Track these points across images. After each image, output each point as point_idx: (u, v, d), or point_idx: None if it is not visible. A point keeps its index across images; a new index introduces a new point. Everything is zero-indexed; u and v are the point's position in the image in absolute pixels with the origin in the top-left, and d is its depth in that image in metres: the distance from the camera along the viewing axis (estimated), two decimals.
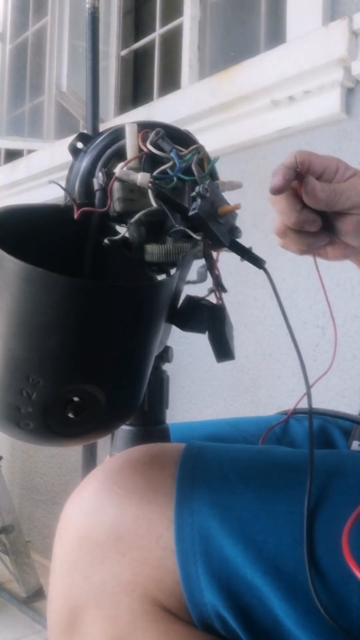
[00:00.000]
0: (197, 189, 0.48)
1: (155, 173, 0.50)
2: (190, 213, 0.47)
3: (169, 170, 0.51)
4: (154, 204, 0.50)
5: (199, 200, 0.47)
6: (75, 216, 0.52)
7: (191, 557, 0.46)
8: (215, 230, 0.48)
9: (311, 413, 0.51)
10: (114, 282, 0.54)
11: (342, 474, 0.49)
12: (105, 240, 0.52)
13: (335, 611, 0.43)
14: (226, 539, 0.46)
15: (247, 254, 0.52)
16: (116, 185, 0.51)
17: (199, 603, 0.46)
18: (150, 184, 0.49)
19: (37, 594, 1.87)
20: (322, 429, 0.74)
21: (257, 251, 1.50)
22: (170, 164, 0.50)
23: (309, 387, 0.50)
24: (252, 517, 0.46)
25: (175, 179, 0.50)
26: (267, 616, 0.45)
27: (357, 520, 0.44)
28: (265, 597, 0.45)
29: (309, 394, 0.50)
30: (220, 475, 0.49)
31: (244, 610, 0.45)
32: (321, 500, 0.47)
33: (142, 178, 0.50)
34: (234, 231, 0.51)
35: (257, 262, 0.52)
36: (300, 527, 0.45)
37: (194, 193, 0.48)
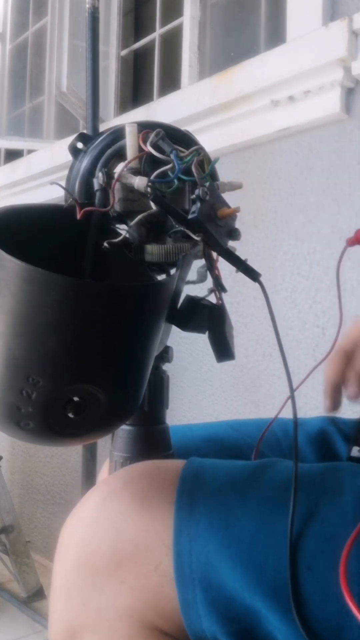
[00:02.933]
0: (196, 192, 0.48)
1: (153, 176, 0.50)
2: (190, 216, 0.47)
3: (169, 172, 0.51)
4: (154, 207, 0.50)
5: (198, 204, 0.47)
6: (78, 216, 0.52)
7: (189, 584, 0.46)
8: (214, 233, 0.48)
9: (296, 424, 0.50)
10: (114, 282, 0.55)
11: (338, 489, 0.49)
12: (105, 244, 0.52)
13: (328, 632, 0.43)
14: (225, 563, 0.45)
15: (242, 265, 0.51)
16: (116, 186, 0.52)
17: (197, 629, 0.46)
18: (147, 189, 0.49)
19: (37, 594, 1.87)
20: (323, 433, 0.73)
21: (256, 251, 1.50)
22: (169, 166, 0.50)
23: (294, 399, 0.50)
24: (251, 539, 0.46)
25: (175, 181, 0.50)
26: (267, 639, 0.45)
27: (353, 547, 0.43)
28: (264, 620, 0.44)
29: (293, 404, 0.50)
30: (218, 497, 0.48)
31: (244, 635, 0.45)
32: (315, 518, 0.46)
33: (139, 182, 0.50)
34: (233, 233, 0.51)
35: (252, 274, 0.51)
36: (299, 546, 0.44)
37: (193, 196, 0.48)
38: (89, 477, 1.72)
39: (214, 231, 0.48)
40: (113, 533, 0.49)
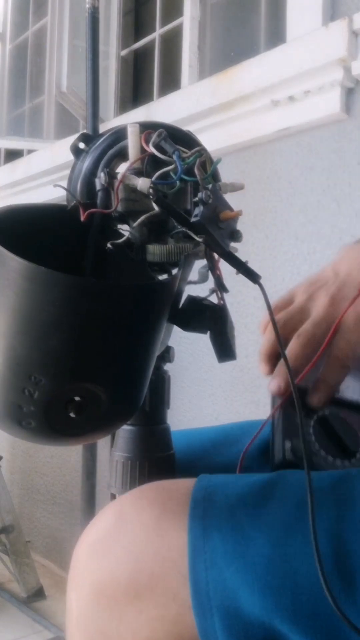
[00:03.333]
0: (199, 195, 0.48)
1: (155, 177, 0.50)
2: (193, 219, 0.47)
3: (171, 174, 0.50)
4: (156, 207, 0.50)
5: (201, 207, 0.47)
6: (82, 218, 0.52)
7: (207, 612, 0.46)
8: (216, 235, 0.48)
9: (303, 436, 0.50)
10: (115, 282, 0.55)
11: (352, 504, 0.47)
12: (108, 245, 0.52)
13: None
14: (242, 590, 0.45)
15: (242, 267, 0.51)
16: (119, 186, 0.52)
17: None
18: (150, 190, 0.49)
19: (37, 594, 1.87)
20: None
21: (256, 251, 1.50)
22: (172, 167, 0.50)
23: (299, 410, 0.50)
24: (266, 563, 0.45)
25: (178, 182, 0.50)
26: None
27: None
28: None
29: (300, 419, 0.49)
30: (231, 520, 0.48)
31: None
32: (336, 535, 0.45)
33: (142, 183, 0.50)
34: (234, 235, 0.51)
35: (252, 276, 0.51)
36: (315, 567, 0.44)
37: (196, 199, 0.48)
38: (89, 477, 1.72)
39: (216, 233, 0.48)
40: (130, 563, 0.49)
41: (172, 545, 0.48)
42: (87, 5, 1.00)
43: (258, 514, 0.48)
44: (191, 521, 0.48)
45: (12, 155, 2.52)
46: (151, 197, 0.49)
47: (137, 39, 2.24)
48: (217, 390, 1.53)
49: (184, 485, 0.52)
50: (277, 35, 1.59)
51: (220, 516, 0.48)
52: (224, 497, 0.50)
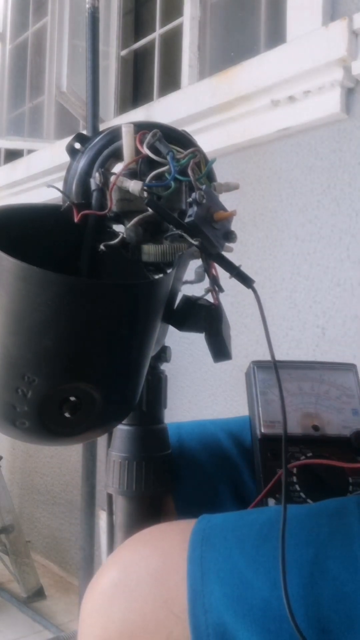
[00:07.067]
0: (193, 195, 0.48)
1: (148, 179, 0.50)
2: (187, 220, 0.47)
3: (166, 174, 0.50)
4: (150, 209, 0.50)
5: (195, 207, 0.47)
6: (76, 220, 0.52)
7: None
8: (210, 236, 0.48)
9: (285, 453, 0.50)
10: (108, 281, 0.55)
11: (348, 540, 0.47)
12: (101, 246, 0.52)
13: None
14: (241, 633, 0.45)
15: (235, 271, 0.51)
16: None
17: None
18: (143, 192, 0.49)
19: (37, 594, 1.87)
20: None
21: (256, 251, 1.49)
22: (165, 167, 0.50)
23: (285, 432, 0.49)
24: (264, 606, 0.45)
25: (172, 183, 0.50)
26: None
27: None
28: None
29: (284, 433, 0.49)
30: (229, 564, 0.48)
31: None
32: (326, 576, 0.45)
33: (134, 186, 0.50)
34: (229, 235, 0.51)
35: (246, 280, 0.51)
36: (311, 609, 0.44)
37: (190, 199, 0.48)
38: (89, 477, 1.72)
39: (210, 234, 0.48)
40: (123, 605, 0.50)
41: (164, 586, 0.49)
42: (87, 5, 1.00)
43: (255, 555, 0.48)
44: (190, 565, 0.49)
45: (12, 155, 2.52)
46: (144, 199, 0.49)
47: (137, 39, 2.24)
48: (217, 390, 1.53)
49: (182, 528, 0.52)
50: (277, 35, 1.59)
51: (219, 559, 0.48)
52: (222, 540, 0.50)
